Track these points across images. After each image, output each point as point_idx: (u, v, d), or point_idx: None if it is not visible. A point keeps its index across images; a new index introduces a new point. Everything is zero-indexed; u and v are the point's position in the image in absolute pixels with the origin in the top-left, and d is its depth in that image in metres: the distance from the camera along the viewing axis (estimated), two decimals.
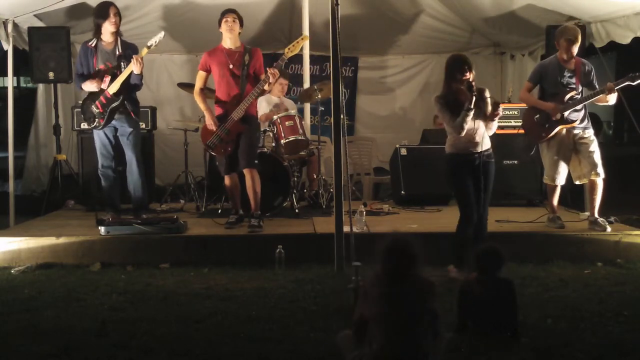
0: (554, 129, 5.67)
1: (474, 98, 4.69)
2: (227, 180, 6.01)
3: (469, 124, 4.77)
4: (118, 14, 5.94)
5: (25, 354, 3.55)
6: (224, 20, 5.77)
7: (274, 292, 4.65)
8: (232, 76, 5.78)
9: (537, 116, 5.77)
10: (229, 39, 5.82)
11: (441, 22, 8.55)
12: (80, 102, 6.29)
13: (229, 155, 5.87)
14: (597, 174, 5.61)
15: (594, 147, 5.66)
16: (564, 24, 6.10)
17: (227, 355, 3.51)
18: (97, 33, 5.94)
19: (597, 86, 5.65)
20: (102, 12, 5.88)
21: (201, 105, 5.93)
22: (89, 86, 5.91)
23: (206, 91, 6.09)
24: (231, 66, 5.76)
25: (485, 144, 4.96)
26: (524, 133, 6.09)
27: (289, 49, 5.75)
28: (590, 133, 5.72)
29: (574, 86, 5.67)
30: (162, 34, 5.79)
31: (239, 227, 5.89)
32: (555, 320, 4.00)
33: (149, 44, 5.75)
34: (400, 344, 2.92)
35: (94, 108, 5.91)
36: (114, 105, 5.87)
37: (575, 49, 5.62)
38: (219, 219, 6.14)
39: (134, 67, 5.74)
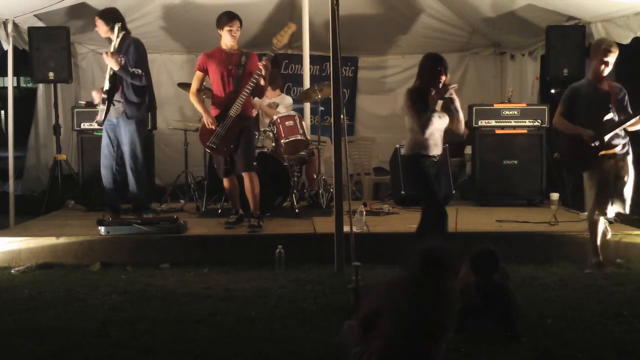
0: (594, 157, 5.09)
1: (443, 101, 4.59)
2: (225, 183, 6.02)
3: (435, 125, 4.65)
4: (99, 19, 5.90)
5: (25, 354, 3.54)
6: (228, 27, 5.74)
7: (274, 292, 4.65)
8: (230, 76, 5.78)
9: (575, 144, 5.17)
10: (230, 44, 5.81)
11: (441, 22, 8.55)
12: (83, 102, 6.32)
13: (227, 159, 5.88)
14: (624, 210, 5.19)
15: (629, 179, 5.16)
16: (600, 38, 5.72)
17: (227, 355, 3.51)
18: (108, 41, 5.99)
19: (630, 111, 5.15)
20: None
21: (198, 106, 5.92)
22: (94, 95, 6.01)
23: (204, 91, 6.09)
24: (230, 66, 5.77)
25: (441, 148, 4.83)
26: (562, 161, 5.60)
27: (277, 39, 5.71)
28: (629, 161, 5.18)
29: (609, 107, 5.12)
30: (115, 33, 5.79)
31: (239, 227, 5.89)
32: (555, 320, 4.00)
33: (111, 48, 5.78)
34: (411, 349, 2.90)
35: (96, 98, 6.00)
36: (105, 102, 5.85)
37: (611, 60, 5.10)
38: (220, 219, 6.15)
39: (108, 62, 5.74)
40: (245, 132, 5.82)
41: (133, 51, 5.86)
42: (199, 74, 5.89)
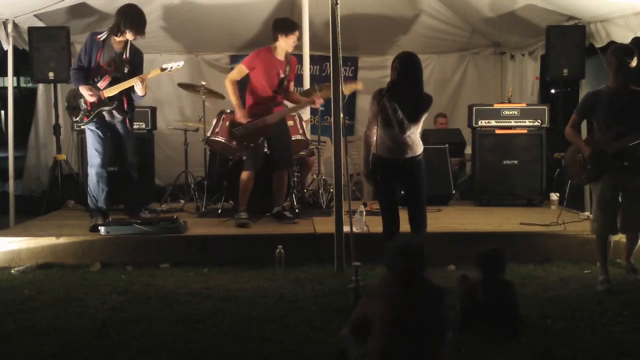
0: (596, 172, 4.83)
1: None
2: (247, 176, 5.98)
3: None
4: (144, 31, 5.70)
5: (25, 354, 3.55)
6: (293, 35, 5.79)
7: (274, 292, 4.65)
8: (275, 81, 5.90)
9: (580, 155, 4.93)
10: (286, 51, 5.89)
11: (441, 22, 8.55)
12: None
13: (266, 155, 6.01)
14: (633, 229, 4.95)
15: None
16: (619, 43, 5.46)
17: (227, 355, 3.51)
18: (113, 31, 5.65)
19: None
20: (135, 23, 5.59)
21: (233, 97, 5.90)
22: (85, 91, 5.60)
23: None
24: (277, 72, 5.88)
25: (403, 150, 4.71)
26: (567, 173, 5.29)
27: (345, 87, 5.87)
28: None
29: (623, 119, 4.72)
30: (181, 63, 5.73)
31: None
32: (555, 320, 4.00)
33: (163, 67, 5.65)
34: (405, 347, 2.90)
35: (82, 102, 5.69)
36: (103, 108, 5.68)
37: (629, 66, 4.70)
38: (220, 219, 6.14)
39: (137, 88, 5.59)
40: (281, 134, 6.03)
41: (140, 60, 5.79)
42: (244, 69, 5.90)
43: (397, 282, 3.06)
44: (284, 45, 5.82)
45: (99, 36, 5.72)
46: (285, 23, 5.85)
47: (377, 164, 4.69)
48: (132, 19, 5.62)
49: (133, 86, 5.65)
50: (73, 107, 5.80)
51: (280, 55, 5.87)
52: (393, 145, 4.62)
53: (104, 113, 5.74)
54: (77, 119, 5.82)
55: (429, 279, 3.12)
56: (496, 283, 3.79)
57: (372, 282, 3.24)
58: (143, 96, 5.77)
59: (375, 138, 4.69)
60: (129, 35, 5.64)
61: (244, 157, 6.07)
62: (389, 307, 2.97)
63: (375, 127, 4.67)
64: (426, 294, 3.05)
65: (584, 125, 5.17)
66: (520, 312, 3.83)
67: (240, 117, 5.85)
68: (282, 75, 5.89)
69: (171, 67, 5.67)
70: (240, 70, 5.92)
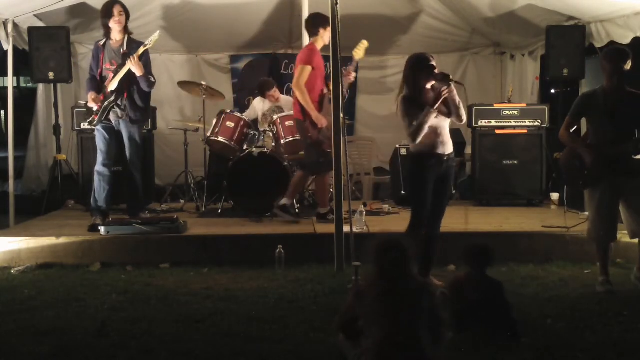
0: (595, 176, 4.68)
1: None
2: (329, 179, 6.07)
3: (434, 124, 4.53)
4: (124, 12, 5.85)
5: (25, 354, 3.55)
6: (328, 28, 5.75)
7: (274, 292, 4.65)
8: (322, 79, 5.97)
9: (577, 161, 4.78)
10: (322, 46, 5.96)
11: (441, 22, 8.56)
12: (84, 102, 6.23)
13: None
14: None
15: None
16: (612, 47, 5.31)
17: (227, 355, 3.51)
18: (107, 33, 5.90)
19: None
20: (106, 12, 5.84)
21: (309, 105, 5.87)
22: (90, 100, 5.87)
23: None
24: (323, 69, 5.95)
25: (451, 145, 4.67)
26: (564, 177, 5.18)
27: (355, 52, 6.04)
28: None
29: (618, 120, 4.58)
30: (157, 33, 5.75)
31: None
32: (555, 320, 4.00)
33: (145, 43, 5.72)
34: (399, 338, 2.91)
35: (94, 105, 5.89)
36: (107, 102, 5.80)
37: (623, 69, 4.59)
38: (220, 219, 6.14)
39: (132, 67, 5.69)
40: None
41: (146, 57, 5.83)
42: (309, 68, 5.88)
43: (382, 277, 3.07)
44: (325, 38, 5.89)
45: (99, 42, 5.97)
46: (323, 16, 5.87)
47: (426, 159, 4.56)
48: (101, 10, 5.89)
49: (135, 87, 5.78)
50: (88, 112, 5.98)
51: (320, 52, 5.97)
52: (438, 139, 4.55)
53: (111, 114, 5.86)
54: (89, 119, 5.98)
55: (413, 272, 3.13)
56: (482, 281, 3.78)
57: (358, 283, 3.23)
58: (148, 81, 5.81)
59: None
60: (113, 25, 5.80)
61: (320, 160, 5.96)
62: (377, 302, 2.98)
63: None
64: (412, 287, 3.06)
65: (584, 126, 5.14)
66: (515, 313, 3.80)
67: (323, 122, 5.86)
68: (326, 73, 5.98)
69: (150, 41, 5.71)
70: (306, 71, 5.86)
